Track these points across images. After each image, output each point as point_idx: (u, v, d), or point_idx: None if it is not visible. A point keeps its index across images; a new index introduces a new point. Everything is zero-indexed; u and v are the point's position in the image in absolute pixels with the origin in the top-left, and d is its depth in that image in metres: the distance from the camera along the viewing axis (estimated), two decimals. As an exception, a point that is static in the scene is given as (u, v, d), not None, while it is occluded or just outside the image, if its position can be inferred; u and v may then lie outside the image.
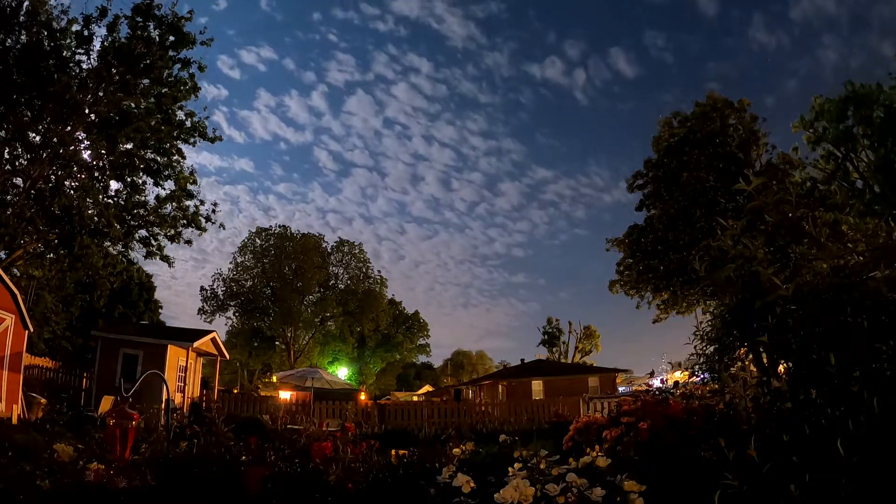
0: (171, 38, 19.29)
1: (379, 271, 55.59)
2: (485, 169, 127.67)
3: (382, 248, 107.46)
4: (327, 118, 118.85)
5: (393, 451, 5.89)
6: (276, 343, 50.77)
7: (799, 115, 25.45)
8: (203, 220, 21.85)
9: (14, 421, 12.09)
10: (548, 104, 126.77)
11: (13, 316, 13.02)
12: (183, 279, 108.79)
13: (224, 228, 25.01)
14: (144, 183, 20.96)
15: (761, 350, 4.16)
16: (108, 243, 20.97)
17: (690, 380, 6.14)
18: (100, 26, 18.63)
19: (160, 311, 41.11)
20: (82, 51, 18.69)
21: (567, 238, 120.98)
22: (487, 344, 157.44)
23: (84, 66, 18.76)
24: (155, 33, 19.07)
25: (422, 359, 67.55)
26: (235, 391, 34.67)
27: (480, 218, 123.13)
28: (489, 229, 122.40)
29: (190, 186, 21.51)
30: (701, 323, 4.80)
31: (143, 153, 20.54)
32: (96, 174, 20.37)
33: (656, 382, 32.95)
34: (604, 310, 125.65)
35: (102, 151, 19.99)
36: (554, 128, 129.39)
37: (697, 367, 4.80)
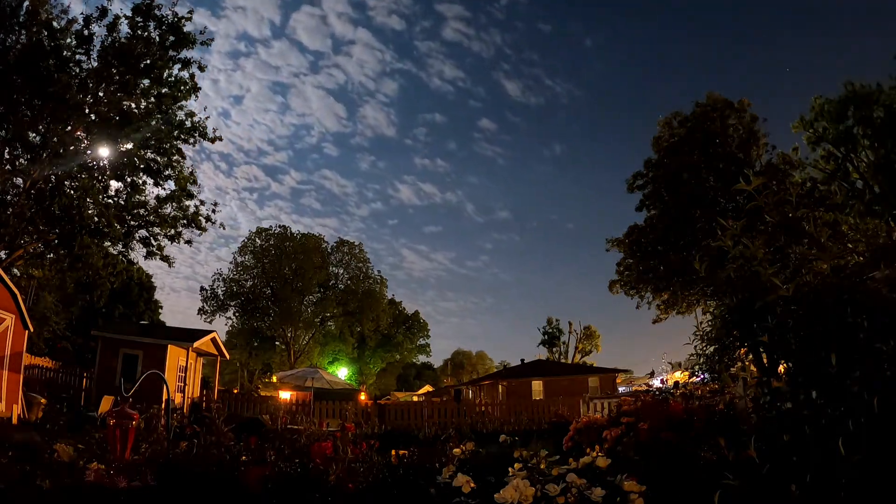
0: (171, 38, 19.32)
1: (379, 271, 55.64)
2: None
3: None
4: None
5: (393, 451, 5.88)
6: (276, 343, 50.74)
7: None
8: (203, 220, 21.89)
9: (14, 421, 12.09)
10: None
11: (13, 316, 13.01)
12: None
13: (224, 228, 25.06)
14: (144, 183, 21.00)
15: (761, 350, 4.16)
16: (108, 243, 21.00)
17: (690, 380, 6.15)
18: (100, 26, 18.68)
19: (160, 311, 41.26)
20: (82, 51, 18.71)
21: (567, 236, 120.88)
22: (487, 344, 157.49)
23: (84, 66, 18.79)
24: (155, 33, 19.10)
25: (422, 359, 67.61)
26: (235, 391, 34.66)
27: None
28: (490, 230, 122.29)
29: (190, 186, 21.55)
30: (701, 323, 4.81)
31: (143, 153, 20.57)
32: (96, 174, 20.39)
33: (656, 382, 32.94)
34: (604, 310, 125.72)
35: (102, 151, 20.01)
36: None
37: (697, 367, 4.81)
